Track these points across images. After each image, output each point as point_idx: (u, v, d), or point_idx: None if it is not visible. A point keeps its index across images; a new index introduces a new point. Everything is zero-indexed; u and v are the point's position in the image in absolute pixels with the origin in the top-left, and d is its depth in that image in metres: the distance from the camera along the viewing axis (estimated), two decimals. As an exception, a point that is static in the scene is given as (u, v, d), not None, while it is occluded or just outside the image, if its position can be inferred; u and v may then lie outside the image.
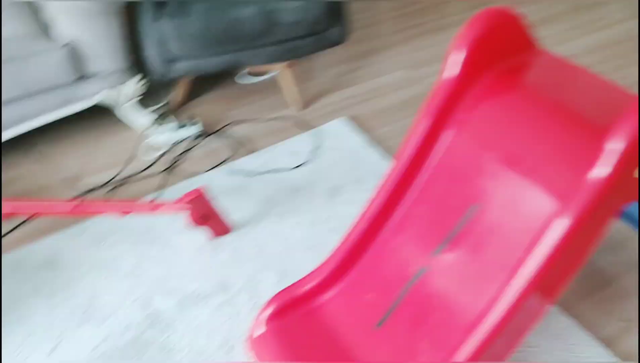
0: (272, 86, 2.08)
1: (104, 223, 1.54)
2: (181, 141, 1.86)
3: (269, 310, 1.17)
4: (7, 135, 1.74)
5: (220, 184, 1.61)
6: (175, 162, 1.78)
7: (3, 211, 1.51)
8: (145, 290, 1.36)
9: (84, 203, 1.49)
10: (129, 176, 1.74)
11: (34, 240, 1.53)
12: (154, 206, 1.43)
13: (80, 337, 1.26)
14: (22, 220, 1.58)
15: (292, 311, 1.16)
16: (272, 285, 1.34)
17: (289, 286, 1.18)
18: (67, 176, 1.76)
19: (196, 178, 1.71)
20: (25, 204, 1.52)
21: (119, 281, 1.39)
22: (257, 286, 1.34)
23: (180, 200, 1.38)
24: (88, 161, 1.82)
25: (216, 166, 1.74)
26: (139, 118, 1.92)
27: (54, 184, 1.73)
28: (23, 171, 1.81)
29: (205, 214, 1.39)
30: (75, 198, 1.63)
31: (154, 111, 1.98)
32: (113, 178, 1.73)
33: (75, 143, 1.90)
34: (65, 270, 1.43)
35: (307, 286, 1.16)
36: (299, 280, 1.18)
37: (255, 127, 1.92)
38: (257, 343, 1.17)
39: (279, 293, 1.18)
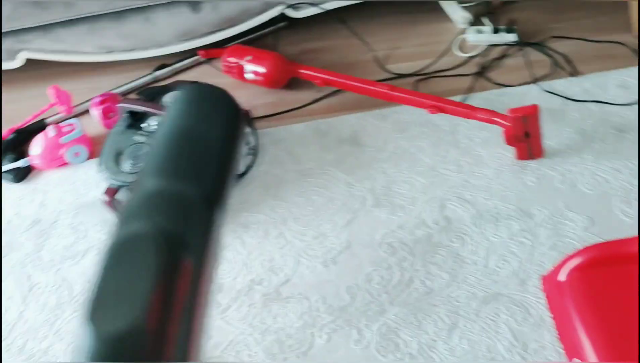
0: (612, 2, 1.79)
1: (408, 113, 1.52)
2: (496, 46, 1.72)
3: (580, 259, 1.05)
4: (325, 7, 1.79)
5: (532, 103, 1.47)
6: (486, 67, 1.67)
7: (319, 79, 1.58)
8: (442, 192, 1.33)
9: (397, 90, 1.48)
10: (438, 71, 1.68)
11: (339, 113, 1.59)
12: (471, 111, 1.35)
13: (374, 219, 1.29)
14: (332, 91, 1.64)
15: (608, 269, 1.03)
16: (579, 229, 1.21)
17: (612, 241, 1.05)
18: (376, 56, 1.76)
19: (506, 90, 1.58)
20: (341, 78, 1.57)
21: (416, 175, 1.37)
22: (561, 224, 1.22)
23: (510, 113, 1.28)
24: (398, 46, 1.80)
25: (531, 82, 1.59)
26: (457, 12, 1.82)
27: (363, 62, 1.76)
28: (334, 44, 1.86)
29: (527, 134, 1.28)
30: (382, 81, 1.63)
31: (471, 7, 1.85)
32: (423, 69, 1.69)
33: (387, 25, 1.88)
34: (366, 150, 1.46)
35: (635, 247, 1.02)
36: (630, 238, 1.03)
37: (581, 47, 1.69)
38: (554, 288, 1.08)
39: (599, 244, 1.06)
